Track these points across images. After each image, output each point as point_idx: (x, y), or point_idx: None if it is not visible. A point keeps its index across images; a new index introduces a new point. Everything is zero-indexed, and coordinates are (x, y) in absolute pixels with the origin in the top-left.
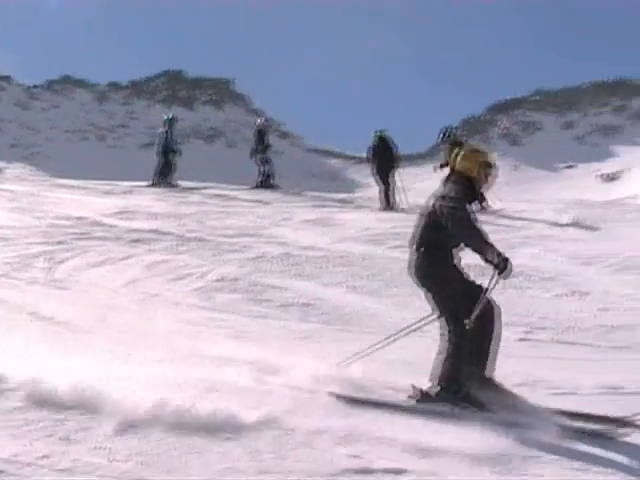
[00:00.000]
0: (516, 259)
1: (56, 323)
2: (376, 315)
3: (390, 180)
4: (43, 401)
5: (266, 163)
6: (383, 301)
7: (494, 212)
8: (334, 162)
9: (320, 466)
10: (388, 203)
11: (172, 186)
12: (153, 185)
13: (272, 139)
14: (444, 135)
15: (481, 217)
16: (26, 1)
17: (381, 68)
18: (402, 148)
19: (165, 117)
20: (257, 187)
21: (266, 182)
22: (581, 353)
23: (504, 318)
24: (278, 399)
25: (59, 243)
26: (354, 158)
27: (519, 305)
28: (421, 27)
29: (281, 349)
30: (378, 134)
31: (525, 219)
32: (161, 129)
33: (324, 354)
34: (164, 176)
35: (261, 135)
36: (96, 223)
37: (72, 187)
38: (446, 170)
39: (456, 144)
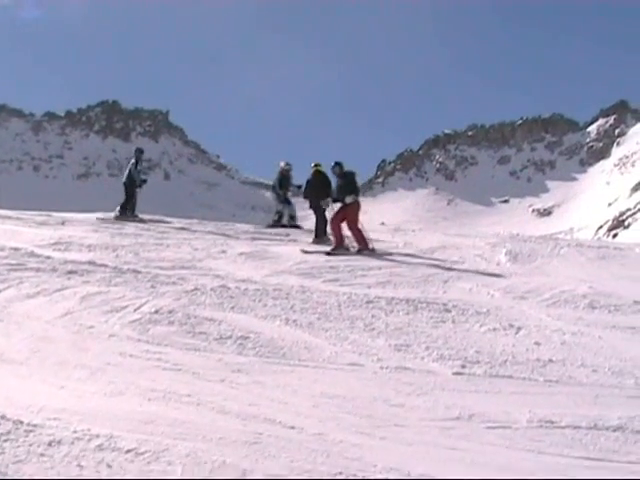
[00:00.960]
0: (450, 293)
1: None
2: (311, 348)
3: (324, 213)
4: None
5: (287, 204)
6: (318, 334)
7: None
8: (270, 194)
9: None
10: (319, 235)
11: (136, 219)
12: (117, 218)
13: (208, 172)
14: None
15: (409, 251)
16: None
17: (317, 102)
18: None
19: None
20: (272, 226)
21: (291, 221)
22: (516, 387)
23: (439, 352)
24: (209, 432)
25: None
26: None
27: (454, 339)
28: (359, 62)
29: (215, 382)
30: (314, 167)
31: (459, 254)
32: (132, 160)
33: (258, 386)
34: (124, 209)
35: (284, 177)
36: (31, 254)
37: (6, 217)
38: (337, 205)
39: (343, 176)
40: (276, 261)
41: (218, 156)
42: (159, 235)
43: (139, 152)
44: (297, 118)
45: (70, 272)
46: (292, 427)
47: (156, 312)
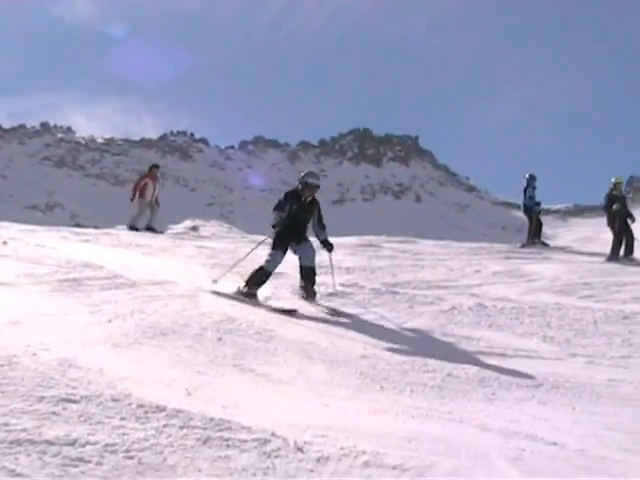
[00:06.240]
0: None
1: (258, 375)
2: (569, 365)
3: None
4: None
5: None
6: (576, 350)
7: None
8: (520, 214)
9: None
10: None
11: (543, 245)
12: (523, 246)
13: (458, 193)
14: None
15: None
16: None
17: (564, 119)
18: (585, 199)
19: (527, 175)
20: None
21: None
22: None
23: None
24: (472, 449)
25: None
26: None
27: None
28: (603, 75)
29: (477, 400)
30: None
31: None
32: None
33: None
34: (534, 235)
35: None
36: (292, 278)
37: (268, 244)
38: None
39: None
40: (530, 279)
41: (468, 178)
42: (414, 257)
43: (530, 178)
44: (543, 137)
45: (329, 295)
46: (554, 443)
47: (414, 332)
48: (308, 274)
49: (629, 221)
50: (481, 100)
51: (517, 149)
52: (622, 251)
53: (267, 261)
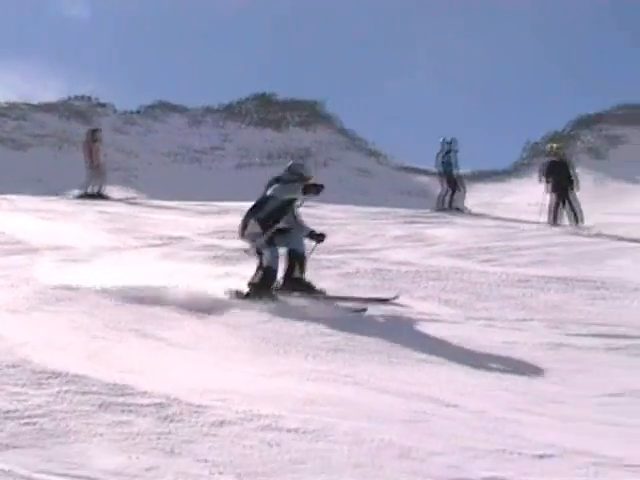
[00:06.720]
0: (605, 270)
1: (158, 339)
2: (465, 328)
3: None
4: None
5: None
6: (472, 314)
7: (585, 228)
8: (423, 179)
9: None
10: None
11: (457, 210)
12: (434, 210)
13: (361, 159)
14: None
15: (562, 230)
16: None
17: (463, 84)
18: (485, 164)
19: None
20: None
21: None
22: None
23: (594, 329)
24: (371, 411)
25: None
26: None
27: (609, 315)
28: (502, 40)
29: (375, 363)
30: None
31: (614, 232)
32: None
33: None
34: (446, 201)
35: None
36: (193, 242)
37: (170, 208)
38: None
39: None
40: (431, 243)
41: (373, 143)
42: (316, 221)
43: (452, 142)
44: (442, 99)
45: (227, 258)
46: (453, 405)
47: None
48: (302, 261)
49: (569, 189)
50: (389, 65)
51: (422, 116)
52: (571, 221)
53: (270, 260)
